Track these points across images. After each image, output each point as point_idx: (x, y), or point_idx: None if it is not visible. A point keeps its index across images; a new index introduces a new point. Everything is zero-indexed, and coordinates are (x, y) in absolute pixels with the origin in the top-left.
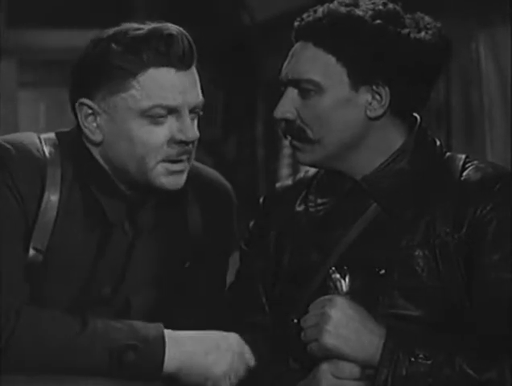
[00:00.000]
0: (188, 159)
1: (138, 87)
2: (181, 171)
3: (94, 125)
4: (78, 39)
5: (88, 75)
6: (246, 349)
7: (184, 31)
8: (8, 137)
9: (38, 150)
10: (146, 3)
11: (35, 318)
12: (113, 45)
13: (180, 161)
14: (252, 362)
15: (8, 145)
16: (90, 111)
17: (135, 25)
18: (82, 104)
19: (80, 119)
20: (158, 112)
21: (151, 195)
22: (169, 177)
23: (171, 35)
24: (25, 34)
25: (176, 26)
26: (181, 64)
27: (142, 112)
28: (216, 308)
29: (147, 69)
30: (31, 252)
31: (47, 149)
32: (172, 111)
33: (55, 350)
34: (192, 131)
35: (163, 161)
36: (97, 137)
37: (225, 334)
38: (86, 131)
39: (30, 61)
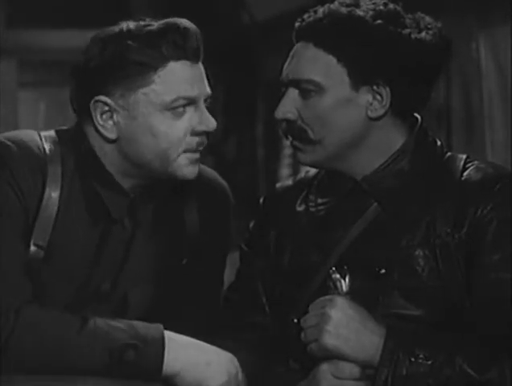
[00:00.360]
0: (202, 150)
1: (159, 81)
2: (198, 160)
3: (110, 122)
4: (78, 39)
5: (103, 73)
6: (240, 372)
7: (194, 25)
8: (8, 134)
9: (38, 147)
10: (146, 3)
11: (34, 317)
12: (129, 41)
13: (199, 151)
14: None
15: (8, 143)
16: (106, 108)
17: (141, 22)
18: (98, 101)
19: (94, 118)
20: (180, 104)
21: (151, 191)
22: (189, 167)
23: (187, 29)
24: (25, 34)
25: (186, 20)
26: (195, 57)
27: (166, 105)
28: (213, 306)
29: (167, 63)
30: (32, 248)
31: (47, 147)
32: (191, 102)
33: (55, 349)
34: (212, 121)
35: (185, 152)
36: (113, 135)
37: (224, 352)
38: (101, 129)
39: (30, 61)
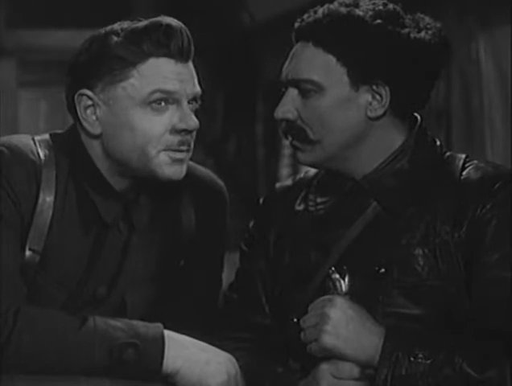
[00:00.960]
0: (188, 150)
1: (138, 76)
2: (182, 160)
3: (93, 117)
4: (78, 39)
5: (88, 67)
6: (239, 373)
7: (183, 25)
8: (1, 139)
9: (32, 152)
10: (146, 3)
11: (33, 317)
12: (113, 37)
13: (180, 150)
14: None
15: (2, 148)
16: (90, 102)
17: (131, 22)
18: (82, 94)
19: (79, 111)
20: (158, 98)
21: (146, 194)
22: (172, 166)
23: (170, 26)
24: (25, 34)
25: (175, 20)
26: (180, 56)
27: (143, 100)
28: (212, 306)
29: (148, 59)
30: (28, 253)
31: (41, 151)
32: (172, 99)
33: (55, 349)
34: (193, 120)
35: (165, 150)
36: (96, 130)
37: (223, 352)
38: (85, 124)
39: (30, 61)
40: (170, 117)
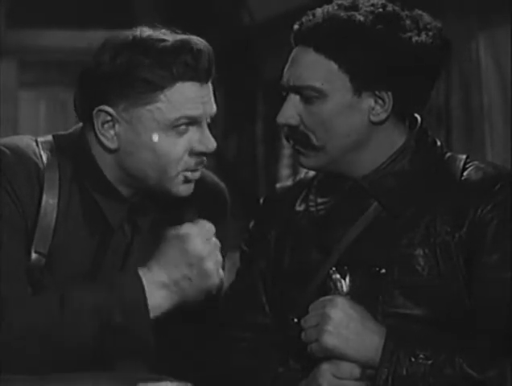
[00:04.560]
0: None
1: (165, 100)
2: (195, 179)
3: (111, 132)
4: (78, 39)
5: (111, 83)
6: (217, 243)
7: (208, 44)
8: (4, 140)
9: (35, 154)
10: (147, 3)
11: (20, 303)
12: (140, 56)
13: (197, 170)
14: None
15: (5, 150)
16: (109, 118)
17: (156, 33)
18: (101, 110)
19: (96, 126)
20: (182, 123)
21: (149, 196)
22: (185, 185)
23: (200, 51)
24: (25, 34)
25: (201, 40)
26: (205, 78)
27: (169, 124)
28: (213, 306)
29: (175, 83)
30: (34, 255)
31: (44, 153)
32: (194, 122)
33: (44, 332)
34: (211, 142)
35: (183, 171)
36: (113, 145)
37: (187, 248)
38: (102, 138)
39: (30, 61)
40: (189, 138)
